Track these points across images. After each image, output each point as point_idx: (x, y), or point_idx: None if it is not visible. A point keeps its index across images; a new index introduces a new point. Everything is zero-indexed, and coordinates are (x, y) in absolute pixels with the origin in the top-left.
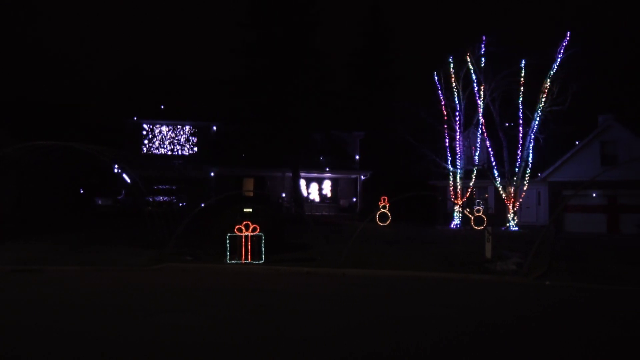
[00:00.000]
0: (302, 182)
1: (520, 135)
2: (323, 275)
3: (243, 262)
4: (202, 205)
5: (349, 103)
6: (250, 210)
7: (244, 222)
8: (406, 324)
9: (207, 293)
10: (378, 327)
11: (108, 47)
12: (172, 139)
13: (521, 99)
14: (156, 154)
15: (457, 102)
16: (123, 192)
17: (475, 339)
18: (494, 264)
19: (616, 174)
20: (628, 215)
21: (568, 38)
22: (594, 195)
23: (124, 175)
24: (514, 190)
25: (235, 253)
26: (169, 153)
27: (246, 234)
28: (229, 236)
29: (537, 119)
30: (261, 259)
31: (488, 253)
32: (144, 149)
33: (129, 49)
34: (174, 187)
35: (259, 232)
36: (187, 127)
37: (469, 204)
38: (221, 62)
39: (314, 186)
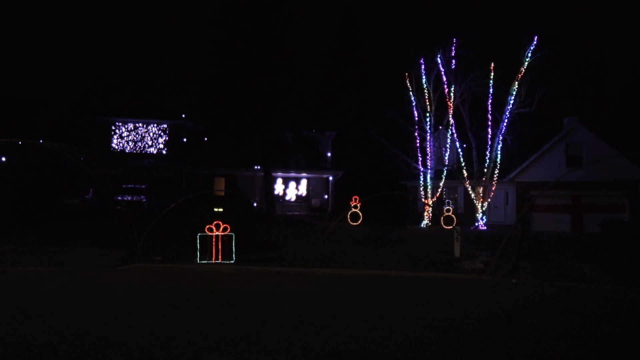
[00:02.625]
0: (274, 182)
1: (489, 136)
2: (293, 275)
3: (214, 262)
4: (172, 204)
5: (320, 102)
6: (221, 209)
7: (215, 222)
8: (374, 323)
9: (176, 293)
10: (346, 325)
11: (77, 44)
12: (142, 138)
13: (490, 100)
14: (126, 152)
15: (427, 103)
16: (91, 191)
17: (442, 336)
18: (462, 263)
19: (580, 175)
20: (591, 215)
21: (535, 42)
22: (559, 195)
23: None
24: (483, 191)
25: (206, 253)
26: (139, 151)
27: (217, 233)
28: (200, 236)
29: (506, 120)
30: (232, 259)
31: (457, 252)
32: (114, 147)
33: (98, 46)
34: (143, 186)
35: (229, 232)
36: (158, 126)
37: (439, 203)
38: (192, 59)
39: (286, 185)
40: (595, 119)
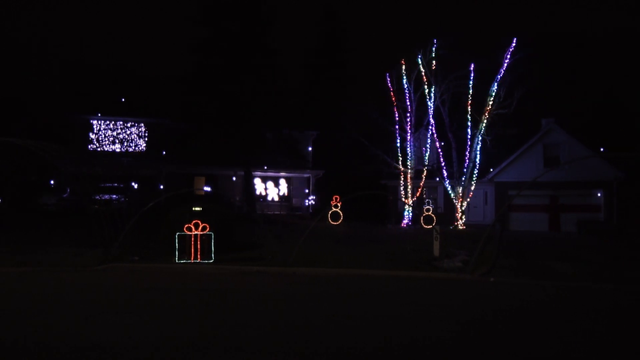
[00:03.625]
0: (255, 181)
1: (469, 136)
2: (273, 274)
3: (192, 261)
4: (151, 203)
5: (303, 102)
6: (200, 209)
7: (194, 221)
8: (354, 322)
9: (153, 293)
10: (326, 325)
11: (57, 41)
12: (121, 136)
13: (470, 101)
14: (105, 151)
15: (408, 103)
16: (68, 190)
17: (421, 335)
18: (441, 262)
19: (558, 176)
20: (568, 215)
21: (514, 44)
22: (536, 195)
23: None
24: (462, 190)
25: (185, 252)
26: (118, 150)
27: (195, 233)
28: (178, 235)
29: (485, 121)
30: (211, 259)
31: (436, 251)
32: (92, 145)
33: (78, 43)
34: (122, 185)
35: (208, 231)
36: (138, 124)
37: (419, 203)
38: (173, 58)
39: (267, 185)
40: (572, 120)
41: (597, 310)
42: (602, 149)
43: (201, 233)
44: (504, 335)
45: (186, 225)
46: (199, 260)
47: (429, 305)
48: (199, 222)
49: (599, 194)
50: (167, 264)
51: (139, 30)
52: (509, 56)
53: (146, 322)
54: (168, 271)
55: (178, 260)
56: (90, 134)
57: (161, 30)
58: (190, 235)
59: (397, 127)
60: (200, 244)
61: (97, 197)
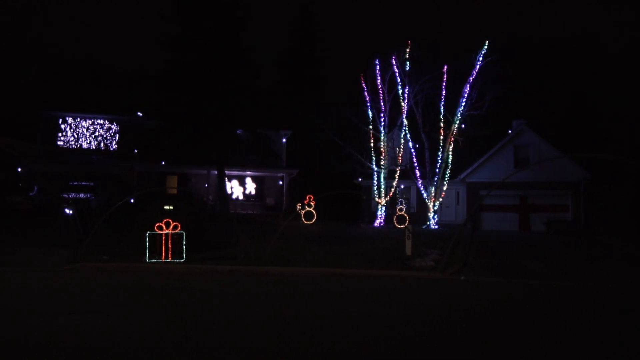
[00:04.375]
0: (228, 180)
1: (441, 137)
2: (245, 274)
3: (163, 260)
4: (120, 202)
5: (277, 101)
6: (171, 207)
7: (165, 220)
8: (325, 321)
9: (121, 293)
10: (297, 323)
11: (25, 35)
12: (92, 133)
13: (442, 102)
14: (75, 149)
15: (382, 103)
16: (36, 188)
17: (392, 332)
18: (413, 261)
19: (528, 176)
20: (537, 214)
21: (486, 47)
22: (507, 195)
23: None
24: (435, 190)
25: (156, 252)
26: (89, 148)
27: (166, 232)
28: (149, 234)
29: (457, 122)
30: (182, 258)
31: (408, 250)
32: (62, 143)
33: (47, 37)
34: (92, 183)
35: (179, 230)
36: (109, 121)
37: (392, 203)
38: (147, 54)
39: (241, 184)
40: (543, 122)
41: (565, 306)
42: (571, 151)
43: (172, 232)
44: (473, 332)
45: (157, 224)
46: (170, 260)
47: (399, 303)
48: (170, 220)
49: (567, 195)
50: (137, 264)
51: (112, 25)
52: (481, 58)
53: (114, 322)
54: (138, 271)
55: (148, 259)
56: (60, 131)
57: (134, 26)
58: (161, 234)
59: (370, 126)
60: (171, 243)
61: (67, 195)
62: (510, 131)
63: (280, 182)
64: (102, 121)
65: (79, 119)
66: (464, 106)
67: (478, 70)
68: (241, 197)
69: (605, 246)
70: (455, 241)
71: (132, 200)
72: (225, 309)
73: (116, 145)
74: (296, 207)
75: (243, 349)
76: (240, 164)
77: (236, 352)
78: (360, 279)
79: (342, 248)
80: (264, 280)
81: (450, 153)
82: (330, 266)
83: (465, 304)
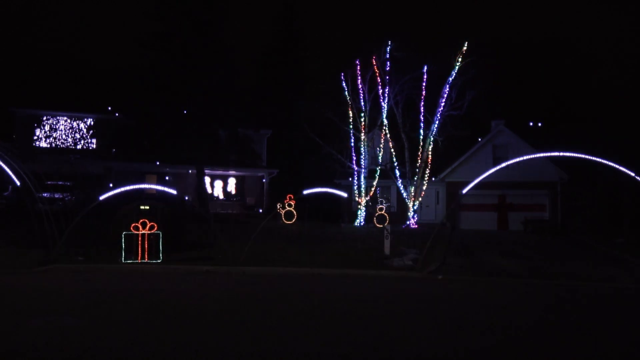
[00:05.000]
0: (208, 180)
1: (421, 137)
2: (222, 274)
3: (139, 261)
4: (96, 202)
5: (258, 100)
6: (147, 207)
7: (141, 220)
8: (299, 319)
9: (95, 294)
10: (271, 324)
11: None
12: (69, 132)
13: (422, 102)
14: (51, 148)
15: (362, 103)
16: (10, 187)
17: (366, 331)
18: (391, 260)
19: (506, 176)
20: (516, 214)
21: (466, 47)
22: (486, 195)
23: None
24: (414, 190)
25: (132, 252)
26: (66, 147)
27: (143, 232)
28: (125, 235)
29: (437, 122)
30: (159, 258)
31: (387, 250)
32: (38, 141)
33: (23, 32)
34: (68, 183)
35: (156, 230)
36: (87, 120)
37: (373, 202)
38: (125, 51)
39: (220, 184)
40: (522, 123)
41: (530, 303)
42: (549, 151)
43: (149, 232)
44: (445, 329)
45: (133, 225)
46: (146, 260)
47: (375, 302)
48: (146, 221)
49: (544, 194)
50: (113, 264)
51: (90, 22)
52: (460, 58)
53: (86, 325)
54: (114, 272)
55: (124, 260)
56: (36, 130)
57: (113, 23)
58: (138, 234)
59: (351, 126)
60: (147, 243)
61: (42, 195)
62: (489, 131)
63: (261, 182)
64: (79, 119)
65: (56, 117)
66: (444, 106)
67: (457, 70)
68: (221, 196)
69: (579, 244)
70: (433, 241)
71: (100, 198)
72: (200, 311)
73: (94, 144)
74: (276, 207)
75: (207, 348)
76: (220, 163)
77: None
78: (337, 279)
79: (321, 248)
80: (240, 281)
81: (430, 153)
82: (308, 266)
83: (441, 302)
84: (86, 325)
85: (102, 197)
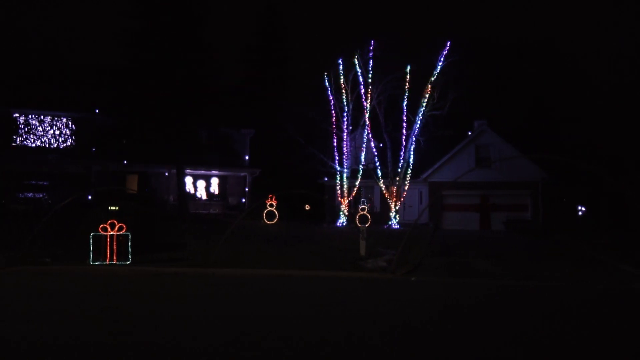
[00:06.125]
0: (189, 180)
1: (404, 137)
2: (192, 276)
3: (108, 262)
4: (64, 202)
5: (241, 100)
6: (116, 208)
7: (109, 221)
8: (257, 322)
9: (58, 297)
10: (229, 326)
11: None
12: (48, 131)
13: (405, 102)
14: (30, 147)
15: (345, 103)
16: None
17: (319, 335)
18: (365, 262)
19: (488, 176)
20: (498, 214)
21: (448, 47)
22: (469, 195)
23: None
24: (396, 190)
25: (100, 254)
26: (45, 146)
27: (111, 233)
28: (93, 235)
29: (419, 122)
30: (128, 260)
31: (362, 250)
32: (15, 141)
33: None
34: (46, 183)
35: (125, 231)
36: (66, 119)
37: (355, 202)
38: (104, 50)
39: (202, 184)
40: (505, 123)
41: (503, 306)
42: (532, 152)
43: (117, 233)
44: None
45: (101, 225)
46: (114, 262)
47: (337, 305)
48: (115, 221)
49: (526, 194)
50: (81, 266)
51: (69, 20)
52: (442, 59)
53: (45, 329)
54: (81, 273)
55: (92, 261)
56: (14, 129)
57: (93, 21)
58: (106, 235)
59: (334, 126)
60: (116, 244)
61: (20, 195)
62: (471, 132)
63: (243, 182)
64: (58, 118)
65: (34, 115)
66: (426, 106)
67: (440, 70)
68: (204, 196)
69: (559, 245)
70: (408, 241)
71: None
72: (160, 312)
73: (73, 144)
74: (258, 207)
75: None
76: (202, 163)
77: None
78: (307, 281)
79: (298, 248)
80: (207, 282)
81: (412, 153)
82: (281, 267)
83: (408, 306)
84: (45, 330)
85: (86, 196)
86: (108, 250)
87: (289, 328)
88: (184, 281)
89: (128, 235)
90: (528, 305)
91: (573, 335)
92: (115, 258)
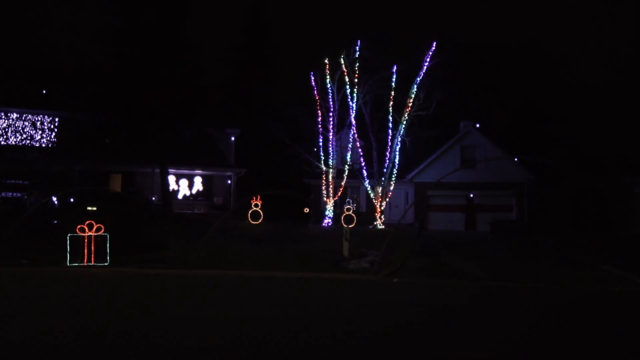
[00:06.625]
0: (173, 179)
1: (389, 137)
2: (173, 277)
3: (85, 264)
4: (39, 203)
5: (226, 99)
6: (94, 208)
7: (87, 222)
8: (230, 324)
9: (26, 301)
10: (199, 328)
11: None
12: (30, 129)
13: (391, 103)
14: (11, 145)
15: (331, 103)
16: None
17: (288, 337)
18: (348, 263)
19: (474, 177)
20: (483, 214)
21: (434, 48)
22: (454, 195)
23: None
24: (382, 190)
25: (78, 255)
26: (25, 144)
27: (89, 234)
28: (70, 236)
29: (405, 122)
30: (106, 261)
31: (345, 251)
32: None
33: None
34: (26, 182)
35: (104, 232)
36: (48, 117)
37: (341, 202)
38: (88, 47)
39: (186, 183)
40: (492, 124)
41: (494, 307)
42: (518, 153)
43: (95, 234)
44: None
45: (79, 226)
46: (92, 263)
47: (311, 307)
48: (93, 222)
49: (511, 195)
50: (58, 268)
51: (51, 18)
52: (428, 59)
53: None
54: (57, 275)
55: (70, 263)
56: None
57: (76, 19)
58: (84, 236)
59: (320, 126)
60: (94, 245)
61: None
62: (458, 132)
63: (229, 182)
64: (40, 117)
65: (15, 114)
66: (412, 106)
67: (425, 71)
68: (188, 196)
69: (542, 246)
70: (390, 242)
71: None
72: (130, 315)
73: (56, 142)
74: (243, 207)
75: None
76: (186, 162)
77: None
78: (288, 282)
79: (282, 249)
80: (188, 284)
81: (398, 153)
82: (263, 268)
83: (387, 308)
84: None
85: (65, 195)
86: (86, 251)
87: (238, 329)
88: (161, 283)
89: (106, 236)
90: (510, 307)
91: (554, 337)
92: (93, 259)
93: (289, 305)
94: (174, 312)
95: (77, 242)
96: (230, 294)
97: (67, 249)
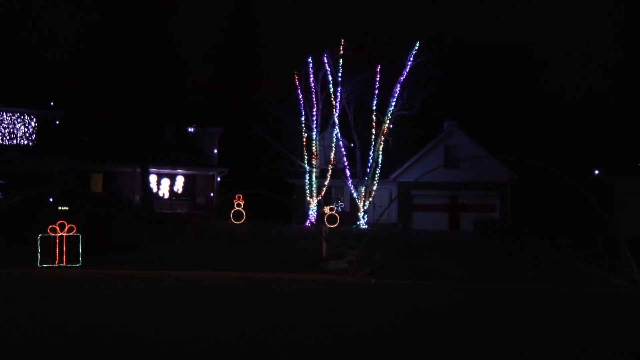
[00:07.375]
0: (155, 179)
1: (373, 137)
2: (146, 278)
3: (57, 265)
4: (10, 202)
5: (210, 98)
6: (66, 208)
7: (59, 222)
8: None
9: None
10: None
11: None
12: (7, 128)
13: (375, 102)
14: None
15: (315, 102)
16: None
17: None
18: (327, 263)
19: (458, 176)
20: (467, 214)
21: (417, 47)
22: (438, 195)
23: None
24: (365, 190)
25: (49, 256)
26: (2, 142)
27: (61, 234)
28: (41, 237)
29: (388, 122)
30: (78, 262)
31: (324, 251)
32: None
33: None
34: (3, 181)
35: (76, 232)
36: (27, 115)
37: (325, 202)
38: (68, 44)
39: (168, 183)
40: (477, 125)
41: (472, 309)
42: (501, 153)
43: (67, 234)
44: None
45: (50, 226)
46: (64, 264)
47: (284, 309)
48: (64, 222)
49: (495, 195)
50: (28, 269)
51: (30, 14)
52: (411, 58)
53: None
54: (27, 277)
55: (40, 264)
56: None
57: (55, 15)
58: (55, 236)
59: (303, 125)
60: (66, 246)
61: None
62: (441, 132)
63: (211, 181)
64: (18, 115)
65: None
66: (395, 106)
67: (409, 70)
68: (170, 196)
69: (525, 245)
70: (370, 242)
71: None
72: (96, 317)
73: (34, 141)
74: (226, 207)
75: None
76: (167, 161)
77: None
78: (263, 283)
79: (260, 249)
80: (160, 285)
81: (381, 152)
82: (239, 269)
83: (361, 310)
84: None
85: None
86: (57, 252)
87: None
88: (139, 284)
89: (79, 236)
90: (488, 308)
91: (529, 339)
92: (65, 260)
93: (257, 307)
94: (138, 312)
95: (49, 242)
96: (201, 295)
97: (37, 249)
